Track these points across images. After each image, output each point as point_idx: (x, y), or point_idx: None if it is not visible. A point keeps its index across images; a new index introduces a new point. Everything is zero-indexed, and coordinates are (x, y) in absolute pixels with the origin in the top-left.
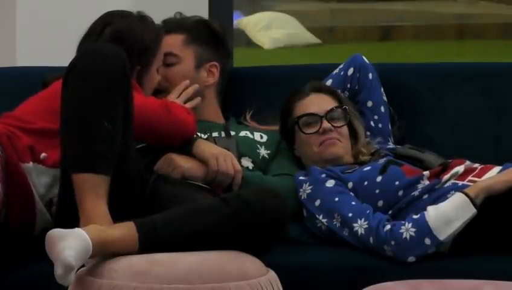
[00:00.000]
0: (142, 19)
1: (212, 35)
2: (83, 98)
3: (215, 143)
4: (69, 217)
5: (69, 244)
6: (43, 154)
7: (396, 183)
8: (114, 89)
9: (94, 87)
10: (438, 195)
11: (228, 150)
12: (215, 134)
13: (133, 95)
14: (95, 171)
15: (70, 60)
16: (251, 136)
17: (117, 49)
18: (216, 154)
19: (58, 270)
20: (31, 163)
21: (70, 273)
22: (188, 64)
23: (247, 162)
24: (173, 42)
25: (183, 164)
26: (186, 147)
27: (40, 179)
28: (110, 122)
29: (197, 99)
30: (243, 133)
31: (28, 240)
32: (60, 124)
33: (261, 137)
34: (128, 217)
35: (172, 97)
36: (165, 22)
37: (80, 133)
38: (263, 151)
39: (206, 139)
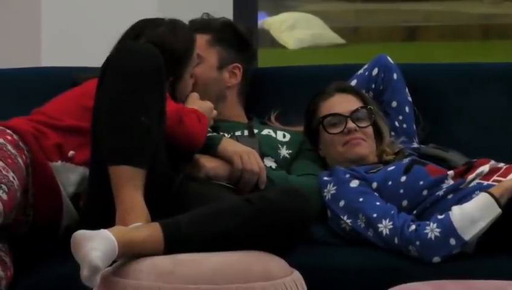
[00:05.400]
0: (173, 28)
1: (238, 38)
2: (121, 94)
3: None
4: (96, 212)
5: (95, 246)
6: (71, 152)
7: (421, 183)
8: (150, 86)
9: (131, 84)
10: (462, 195)
11: None
12: (238, 133)
13: (166, 93)
14: (133, 164)
15: (95, 60)
16: (273, 134)
17: (152, 48)
18: (239, 152)
19: (85, 272)
20: (59, 162)
21: (97, 274)
22: (210, 64)
23: (269, 162)
24: (197, 42)
25: (207, 163)
26: (211, 146)
27: (69, 177)
28: (147, 117)
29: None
30: (265, 132)
31: (53, 238)
32: (95, 118)
33: (284, 136)
34: (153, 216)
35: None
36: (192, 22)
37: (118, 126)
38: (284, 151)
39: (229, 138)
